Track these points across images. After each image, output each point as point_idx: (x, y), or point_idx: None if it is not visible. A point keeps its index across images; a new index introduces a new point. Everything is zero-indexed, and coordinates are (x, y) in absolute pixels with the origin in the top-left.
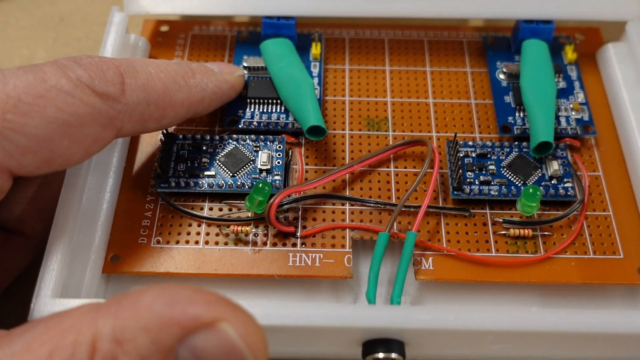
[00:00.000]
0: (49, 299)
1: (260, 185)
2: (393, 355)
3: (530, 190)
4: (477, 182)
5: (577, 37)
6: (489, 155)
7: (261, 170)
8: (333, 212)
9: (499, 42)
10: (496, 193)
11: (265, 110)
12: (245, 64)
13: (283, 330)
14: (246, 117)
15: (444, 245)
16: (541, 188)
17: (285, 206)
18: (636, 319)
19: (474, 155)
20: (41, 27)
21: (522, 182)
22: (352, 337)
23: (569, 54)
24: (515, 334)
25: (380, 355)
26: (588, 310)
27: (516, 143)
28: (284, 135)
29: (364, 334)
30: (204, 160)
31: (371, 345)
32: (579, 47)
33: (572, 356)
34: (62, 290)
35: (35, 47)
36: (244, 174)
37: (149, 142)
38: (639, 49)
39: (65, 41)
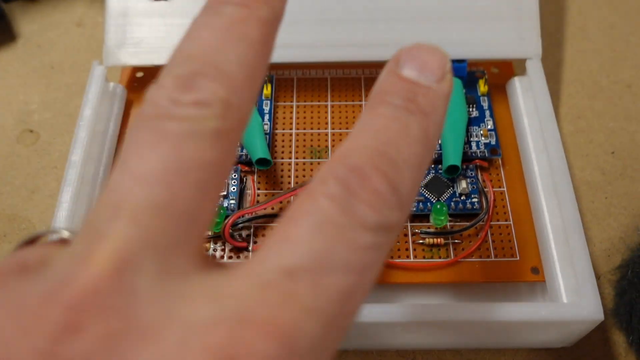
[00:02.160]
0: None
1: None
2: None
3: (438, 206)
4: None
5: (492, 70)
6: None
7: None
8: None
9: None
10: (414, 209)
11: None
12: None
13: None
14: None
15: None
16: (450, 203)
17: (240, 225)
18: (509, 309)
19: None
20: (35, 75)
21: (436, 198)
22: None
23: (482, 87)
24: (416, 324)
25: None
26: (472, 303)
27: (433, 166)
28: (239, 165)
29: None
30: None
31: None
32: (494, 78)
33: (475, 343)
34: None
35: (31, 92)
36: None
37: None
38: (537, 83)
39: (56, 87)
